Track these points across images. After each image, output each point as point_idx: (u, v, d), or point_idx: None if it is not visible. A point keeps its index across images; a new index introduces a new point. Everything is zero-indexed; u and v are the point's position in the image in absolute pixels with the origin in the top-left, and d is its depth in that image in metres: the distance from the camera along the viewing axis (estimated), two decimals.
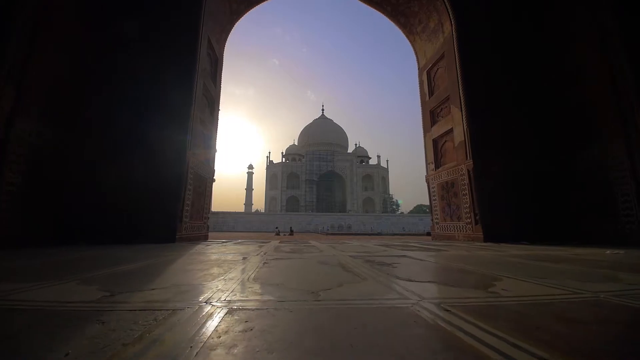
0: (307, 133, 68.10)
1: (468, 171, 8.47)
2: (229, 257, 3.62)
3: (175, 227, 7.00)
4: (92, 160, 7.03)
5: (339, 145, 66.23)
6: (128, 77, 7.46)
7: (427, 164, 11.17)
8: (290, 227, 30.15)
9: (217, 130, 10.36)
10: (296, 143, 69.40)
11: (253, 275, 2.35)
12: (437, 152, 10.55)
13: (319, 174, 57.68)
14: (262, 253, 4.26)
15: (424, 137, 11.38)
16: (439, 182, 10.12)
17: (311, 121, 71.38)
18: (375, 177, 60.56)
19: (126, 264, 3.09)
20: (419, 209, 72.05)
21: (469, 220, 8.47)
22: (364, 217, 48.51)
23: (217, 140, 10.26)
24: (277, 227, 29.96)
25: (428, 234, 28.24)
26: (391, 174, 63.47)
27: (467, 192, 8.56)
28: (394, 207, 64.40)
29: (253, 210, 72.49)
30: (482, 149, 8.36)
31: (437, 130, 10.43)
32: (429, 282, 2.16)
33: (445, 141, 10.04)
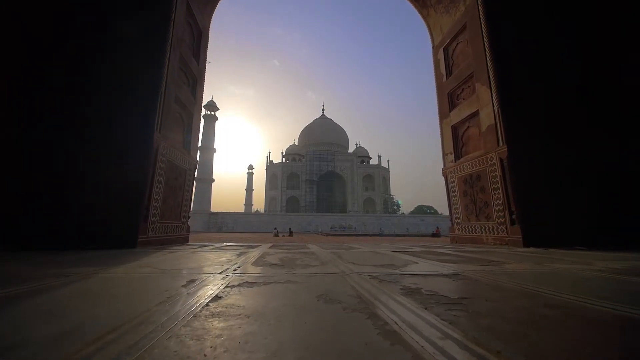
0: (308, 133, 66.62)
1: (500, 160, 6.96)
2: (163, 283, 2.11)
3: (136, 228, 5.48)
4: (27, 146, 5.53)
5: (340, 145, 64.72)
6: (78, 34, 5.96)
7: (444, 155, 9.66)
8: (289, 228, 28.64)
9: (200, 114, 8.86)
10: (296, 143, 67.91)
11: None
12: (457, 140, 9.04)
13: (319, 174, 56.12)
14: (231, 269, 2.76)
15: (440, 124, 9.87)
16: (461, 176, 8.61)
17: (311, 121, 69.88)
18: (376, 177, 58.96)
19: None
20: (419, 210, 70.46)
21: (502, 220, 6.96)
22: (365, 217, 46.90)
23: (199, 124, 8.75)
24: (275, 228, 28.44)
25: (433, 234, 26.88)
26: (391, 174, 61.79)
27: (499, 185, 7.05)
28: (395, 207, 62.82)
29: (253, 211, 70.85)
30: (518, 133, 6.83)
31: (458, 114, 8.92)
32: None
33: (468, 127, 8.53)
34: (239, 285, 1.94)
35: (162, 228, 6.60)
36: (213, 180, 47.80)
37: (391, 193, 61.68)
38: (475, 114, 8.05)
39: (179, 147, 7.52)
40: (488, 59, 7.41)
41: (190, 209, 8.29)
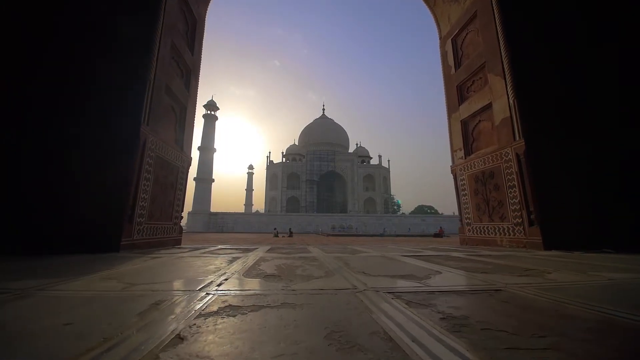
0: (308, 133, 66.10)
1: (517, 155, 6.43)
2: (115, 310, 1.59)
3: (119, 230, 4.94)
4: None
5: (340, 145, 64.17)
6: (64, 24, 5.45)
7: (452, 151, 9.14)
8: (290, 229, 28.15)
9: (195, 108, 8.33)
10: (297, 143, 67.37)
11: None
12: (467, 136, 8.51)
13: (319, 174, 55.60)
14: (216, 282, 2.24)
15: (449, 119, 9.35)
16: (471, 173, 8.08)
17: (312, 121, 69.33)
18: (377, 177, 58.41)
19: None
20: (420, 209, 69.89)
21: (519, 221, 6.43)
22: (366, 217, 46.43)
23: (194, 119, 8.20)
24: (275, 229, 27.95)
25: (435, 235, 26.27)
26: (392, 174, 61.18)
27: (515, 183, 6.52)
28: (395, 207, 62.28)
29: (253, 211, 70.24)
30: (536, 126, 6.31)
31: (468, 108, 8.40)
32: None
33: (480, 121, 8.00)
34: (217, 312, 1.41)
35: (151, 230, 6.08)
36: (213, 180, 47.28)
37: (392, 193, 61.12)
38: (488, 107, 7.53)
39: (171, 142, 7.00)
40: (502, 48, 6.89)
41: (183, 209, 7.76)
